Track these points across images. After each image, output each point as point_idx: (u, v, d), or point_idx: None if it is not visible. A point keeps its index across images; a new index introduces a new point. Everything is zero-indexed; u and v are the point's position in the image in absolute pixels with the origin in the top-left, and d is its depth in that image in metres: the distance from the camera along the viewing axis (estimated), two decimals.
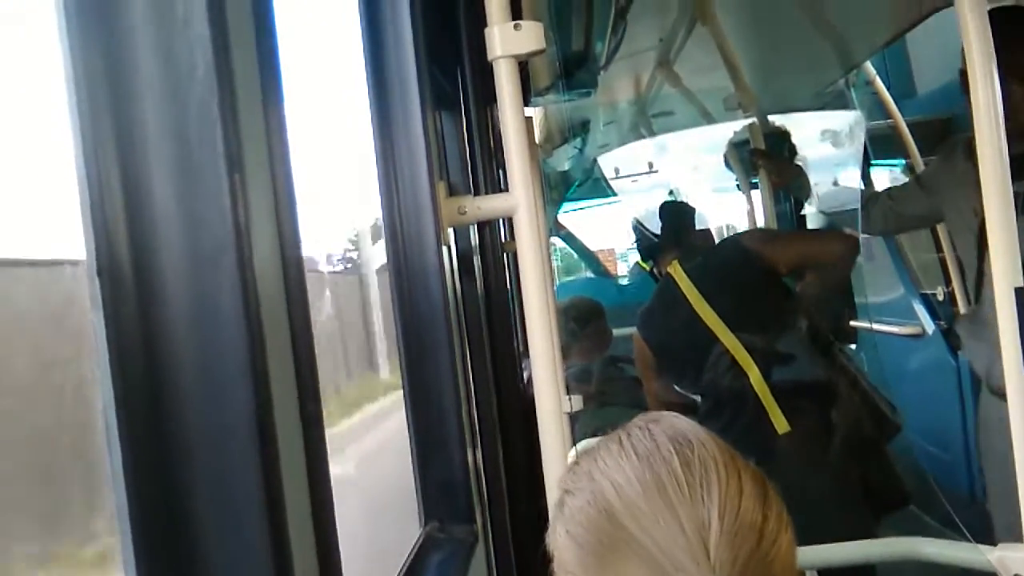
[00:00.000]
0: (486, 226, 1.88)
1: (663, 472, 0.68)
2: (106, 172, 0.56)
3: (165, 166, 0.56)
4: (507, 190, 1.47)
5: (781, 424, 2.33)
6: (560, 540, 0.72)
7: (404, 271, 1.41)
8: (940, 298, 3.84)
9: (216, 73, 0.55)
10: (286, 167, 0.65)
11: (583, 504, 0.71)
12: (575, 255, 6.41)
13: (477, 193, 1.88)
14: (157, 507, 0.57)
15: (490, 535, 1.72)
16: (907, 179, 3.36)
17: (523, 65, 1.77)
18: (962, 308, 3.31)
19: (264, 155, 0.62)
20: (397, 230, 1.40)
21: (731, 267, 2.55)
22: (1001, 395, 2.21)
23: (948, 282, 3.55)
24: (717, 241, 2.96)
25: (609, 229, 7.02)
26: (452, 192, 1.79)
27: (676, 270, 2.55)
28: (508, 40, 1.41)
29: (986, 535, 1.33)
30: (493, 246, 1.93)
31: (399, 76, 1.38)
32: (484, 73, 1.62)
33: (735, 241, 2.77)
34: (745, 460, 0.72)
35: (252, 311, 0.57)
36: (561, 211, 5.87)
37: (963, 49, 1.37)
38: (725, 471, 0.68)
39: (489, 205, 1.53)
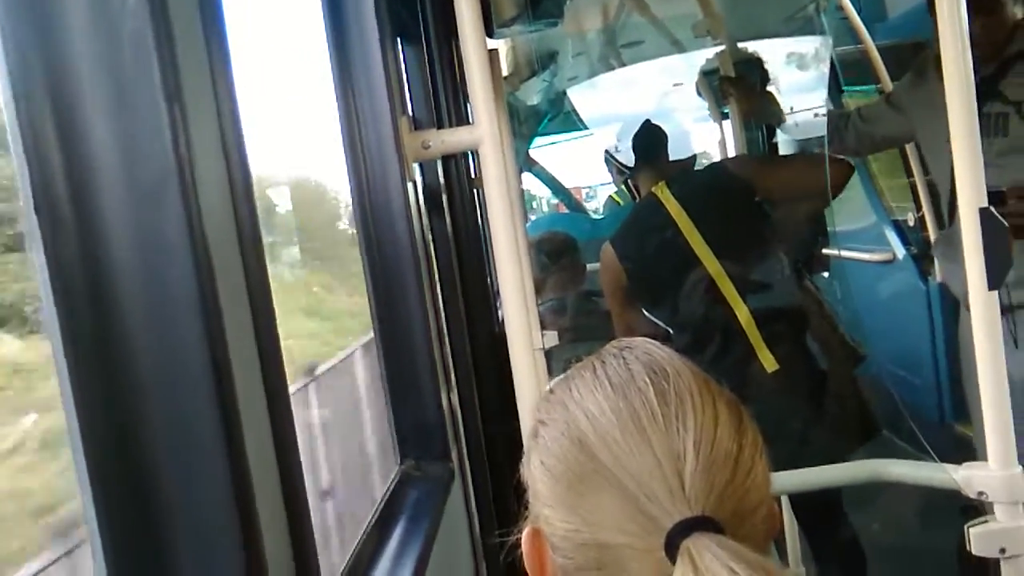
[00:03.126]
0: (452, 161, 1.85)
1: (638, 403, 0.67)
2: (39, 109, 0.54)
3: (100, 100, 0.53)
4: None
5: (769, 363, 2.33)
6: (534, 471, 0.72)
7: (368, 208, 1.40)
8: (911, 223, 3.86)
9: (149, 4, 0.53)
10: (231, 97, 0.62)
11: (557, 435, 0.70)
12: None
13: (442, 128, 1.85)
14: (111, 447, 0.56)
15: (467, 471, 1.74)
16: None
17: None
18: (932, 232, 3.33)
19: (207, 85, 0.60)
20: (360, 165, 1.38)
21: (720, 192, 2.51)
22: None
23: (919, 207, 3.57)
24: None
25: (583, 164, 6.97)
26: (417, 127, 1.76)
27: (663, 192, 2.51)
28: None
29: (957, 456, 1.35)
30: (460, 182, 1.90)
31: (356, 6, 1.34)
32: (445, 3, 1.58)
33: (724, 168, 2.73)
34: (720, 387, 0.71)
35: (199, 244, 0.55)
36: (533, 146, 5.82)
37: None
38: (700, 401, 0.68)
39: (453, 138, 1.51)
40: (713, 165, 2.90)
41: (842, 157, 2.60)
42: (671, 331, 2.53)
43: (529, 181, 6.19)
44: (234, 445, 0.60)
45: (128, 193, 0.54)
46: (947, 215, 2.37)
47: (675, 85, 3.76)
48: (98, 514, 0.58)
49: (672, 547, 0.61)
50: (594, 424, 0.68)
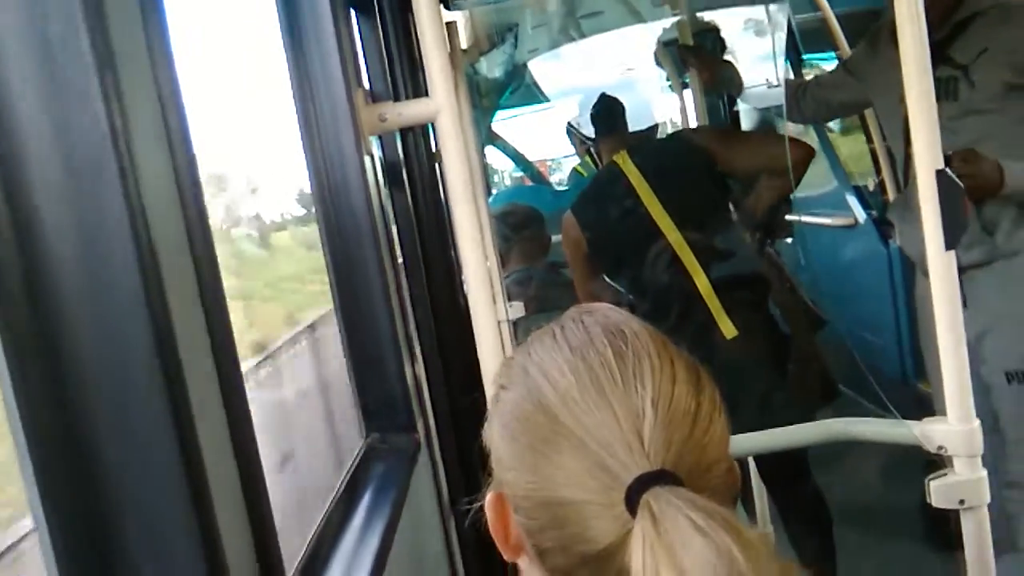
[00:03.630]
0: (410, 135, 1.84)
1: (596, 363, 0.68)
2: None
3: (25, 71, 0.51)
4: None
5: (729, 329, 2.35)
6: (496, 436, 0.72)
7: (326, 182, 1.38)
8: (871, 188, 3.90)
9: None
10: (169, 65, 0.60)
11: (517, 398, 0.71)
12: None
13: (399, 101, 1.83)
14: (56, 442, 0.55)
15: (434, 444, 1.74)
16: None
17: None
18: (892, 196, 3.36)
19: (142, 53, 0.58)
20: (315, 138, 1.36)
21: (680, 162, 2.52)
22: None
23: (879, 172, 3.60)
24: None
25: (546, 136, 6.95)
26: (374, 100, 1.74)
27: (624, 160, 2.51)
28: None
29: (919, 413, 1.37)
30: (419, 157, 1.88)
31: None
32: None
33: (686, 137, 2.73)
34: (678, 348, 0.72)
35: (139, 223, 0.54)
36: (496, 119, 5.78)
37: None
38: (658, 359, 0.68)
39: (410, 111, 1.49)
40: (674, 134, 2.90)
41: (804, 141, 2.61)
42: (632, 299, 2.54)
43: (493, 155, 6.16)
44: (185, 435, 0.58)
45: (61, 168, 0.52)
46: (902, 179, 2.39)
47: (628, 70, 3.76)
48: (46, 511, 0.56)
49: (632, 501, 0.62)
50: (554, 385, 0.68)
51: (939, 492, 1.26)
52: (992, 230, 2.17)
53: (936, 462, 1.33)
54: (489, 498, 0.73)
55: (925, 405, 2.52)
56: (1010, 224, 2.17)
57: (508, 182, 7.22)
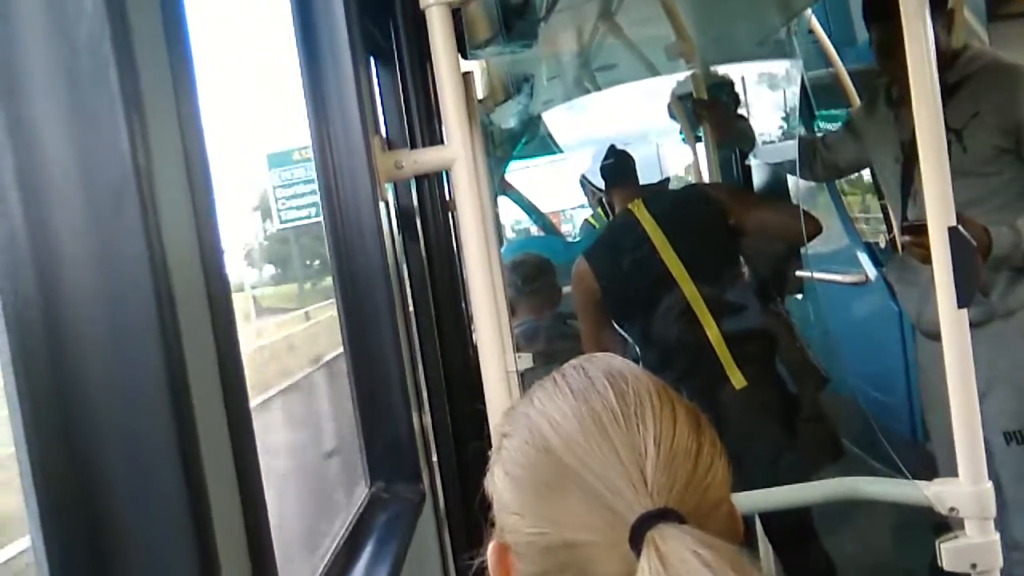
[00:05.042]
0: (424, 183, 1.85)
1: (598, 405, 0.68)
2: None
3: (55, 107, 0.52)
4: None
5: (738, 380, 2.34)
6: (499, 482, 0.72)
7: (340, 227, 1.39)
8: (882, 245, 3.90)
9: (106, 8, 0.52)
10: (193, 107, 0.61)
11: (520, 443, 0.71)
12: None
13: (415, 149, 1.84)
14: (62, 472, 0.54)
15: (439, 494, 1.72)
16: None
17: (460, 16, 1.74)
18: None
19: (169, 95, 0.59)
20: (332, 185, 1.37)
21: (696, 214, 2.54)
22: (931, 336, 2.28)
23: (890, 229, 3.60)
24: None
25: (558, 187, 6.99)
26: (390, 147, 1.76)
27: (640, 210, 2.53)
28: None
29: (927, 474, 1.36)
30: (433, 205, 1.90)
31: (328, 25, 1.34)
32: (418, 24, 1.58)
33: (701, 190, 2.75)
34: (678, 394, 0.72)
35: (158, 259, 0.54)
36: (508, 170, 5.83)
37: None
38: (659, 401, 0.69)
39: (426, 158, 1.50)
40: (689, 186, 2.92)
41: (814, 216, 2.63)
42: (639, 350, 2.54)
43: (504, 205, 6.20)
44: (192, 470, 0.58)
45: (84, 204, 0.53)
46: (899, 237, 2.41)
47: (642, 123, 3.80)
48: (47, 540, 0.55)
49: (637, 539, 0.61)
50: (556, 429, 0.68)
51: (951, 555, 1.24)
52: (987, 291, 2.18)
53: (947, 524, 1.31)
54: (491, 548, 0.73)
55: (935, 465, 2.49)
56: (1005, 284, 2.18)
57: (511, 234, 7.23)
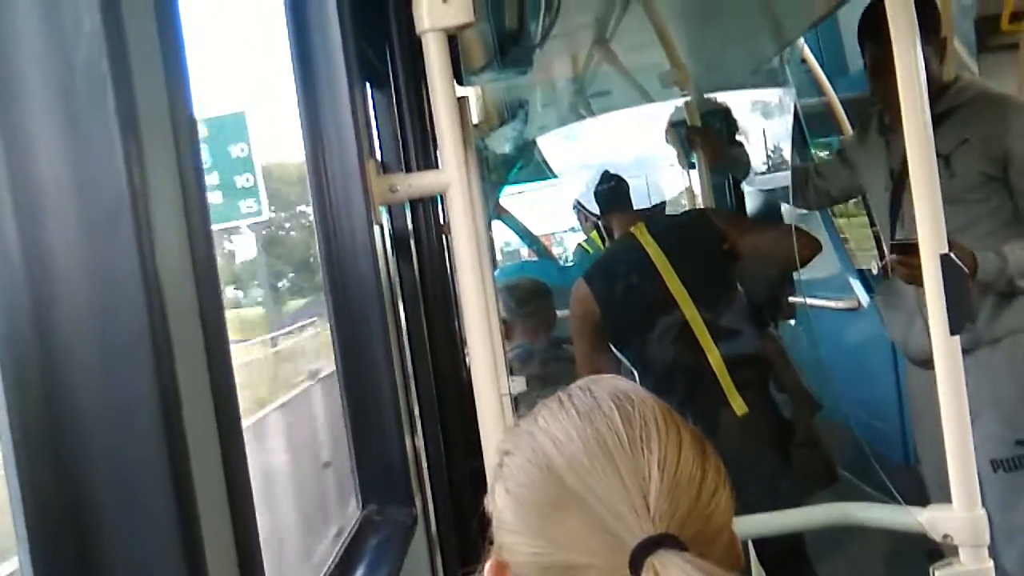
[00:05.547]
0: (419, 206, 1.86)
1: (603, 427, 0.68)
2: None
3: (51, 128, 0.52)
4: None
5: (740, 406, 2.34)
6: (500, 500, 0.72)
7: (335, 250, 1.39)
8: (875, 271, 3.92)
9: (104, 27, 0.52)
10: (190, 127, 0.61)
11: (523, 462, 0.70)
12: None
13: (410, 172, 1.85)
14: (51, 496, 0.54)
15: (431, 518, 1.71)
16: None
17: (455, 42, 1.75)
18: None
19: (164, 115, 0.59)
20: (326, 207, 1.37)
21: (696, 238, 2.55)
22: (918, 363, 2.28)
23: (882, 255, 3.62)
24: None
25: (552, 212, 7.02)
26: (385, 171, 1.76)
27: (642, 233, 2.53)
28: (436, 13, 1.39)
29: (920, 500, 1.36)
30: (428, 228, 1.90)
31: (324, 49, 1.34)
32: (414, 49, 1.59)
33: (700, 214, 2.77)
34: (683, 419, 0.72)
35: (151, 279, 0.54)
36: (503, 195, 5.86)
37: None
38: (665, 425, 0.69)
39: (421, 182, 1.51)
40: (690, 210, 2.94)
41: (812, 235, 2.65)
42: (637, 374, 2.54)
43: (497, 229, 6.22)
44: (183, 490, 0.58)
45: (79, 223, 0.53)
46: (889, 266, 2.42)
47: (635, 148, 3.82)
48: (34, 561, 0.55)
49: (636, 565, 0.61)
50: (560, 449, 0.68)
51: None
52: (974, 318, 2.18)
53: (940, 551, 1.31)
54: (488, 565, 0.72)
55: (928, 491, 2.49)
56: (990, 311, 2.19)
57: (499, 256, 7.25)
